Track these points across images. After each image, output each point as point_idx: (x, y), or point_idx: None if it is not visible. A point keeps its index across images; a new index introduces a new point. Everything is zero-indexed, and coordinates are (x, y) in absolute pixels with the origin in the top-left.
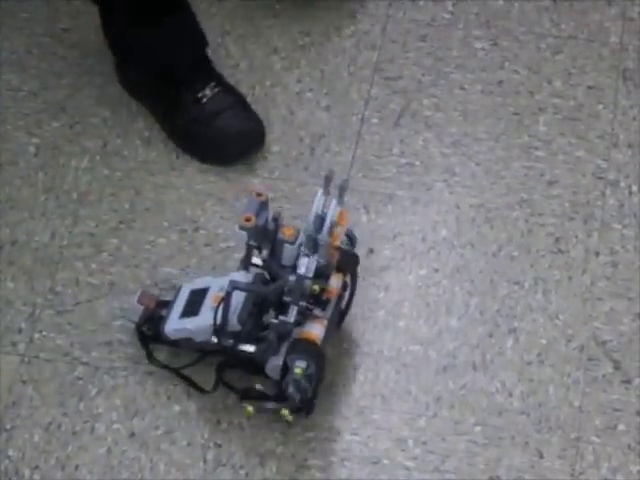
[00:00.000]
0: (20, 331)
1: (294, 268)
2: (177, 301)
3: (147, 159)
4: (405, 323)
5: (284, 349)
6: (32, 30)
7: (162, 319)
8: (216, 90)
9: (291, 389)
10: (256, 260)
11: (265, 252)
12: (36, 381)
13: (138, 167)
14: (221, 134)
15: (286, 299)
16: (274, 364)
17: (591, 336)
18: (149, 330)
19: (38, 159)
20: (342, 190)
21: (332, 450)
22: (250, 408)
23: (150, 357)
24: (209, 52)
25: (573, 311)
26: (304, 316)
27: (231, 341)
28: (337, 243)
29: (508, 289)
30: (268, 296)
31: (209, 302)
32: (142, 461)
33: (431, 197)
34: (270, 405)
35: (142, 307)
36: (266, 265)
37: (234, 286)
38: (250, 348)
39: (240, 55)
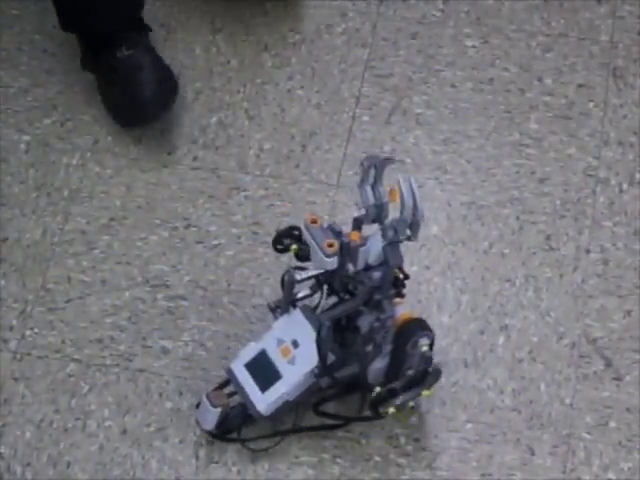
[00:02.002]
0: (11, 328)
1: (367, 267)
2: (242, 382)
3: (138, 156)
4: None
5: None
6: (22, 27)
7: (242, 407)
8: (132, 51)
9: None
10: (301, 294)
11: (351, 267)
12: (28, 378)
13: (129, 164)
14: (130, 96)
15: (376, 297)
16: (378, 367)
17: (582, 333)
18: (225, 429)
19: (29, 156)
20: (381, 169)
21: (324, 447)
22: (391, 409)
23: (245, 442)
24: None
25: (564, 308)
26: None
27: (343, 372)
28: None
29: (499, 286)
30: (360, 307)
31: (280, 359)
32: (134, 458)
33: (422, 194)
34: (407, 396)
35: (219, 409)
36: (355, 277)
37: (329, 317)
38: (378, 364)
39: (231, 53)
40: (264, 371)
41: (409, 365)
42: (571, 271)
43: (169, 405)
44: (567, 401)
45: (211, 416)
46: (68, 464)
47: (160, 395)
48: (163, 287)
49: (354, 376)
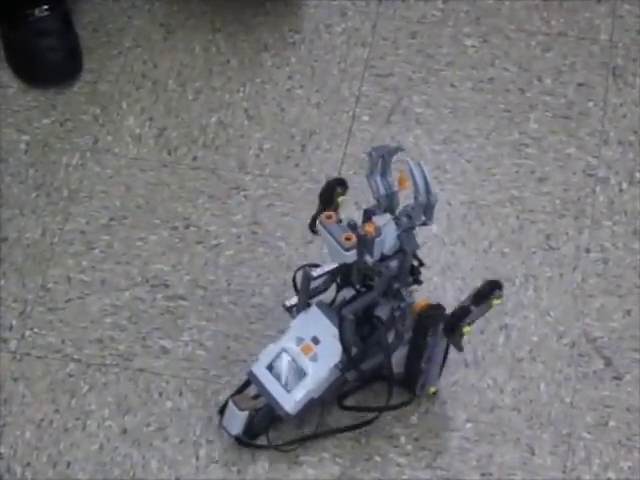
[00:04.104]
0: (11, 328)
1: (382, 257)
2: (266, 384)
3: (138, 156)
4: None
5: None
6: None
7: (268, 408)
8: (45, 14)
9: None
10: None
11: (369, 258)
12: (28, 378)
13: (129, 164)
14: (34, 56)
15: (395, 286)
16: (398, 355)
17: (582, 333)
18: (252, 432)
19: (28, 156)
20: (389, 158)
21: (324, 447)
22: (432, 389)
23: (279, 446)
24: None
25: (564, 308)
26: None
27: (368, 364)
28: None
29: None
30: (379, 297)
31: (302, 357)
32: (134, 458)
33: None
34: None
35: (247, 412)
36: (373, 268)
37: (351, 310)
38: (398, 352)
39: (231, 52)
40: (287, 371)
41: (429, 353)
42: (571, 270)
43: (169, 405)
44: (567, 400)
45: (238, 420)
46: (68, 464)
47: (160, 395)
48: (163, 287)
49: (377, 367)
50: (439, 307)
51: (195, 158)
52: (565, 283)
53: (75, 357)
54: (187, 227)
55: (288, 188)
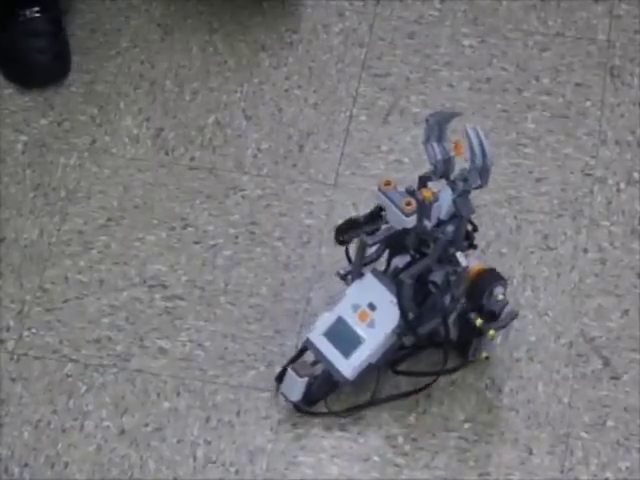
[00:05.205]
0: (9, 329)
1: (438, 222)
2: (323, 350)
3: (135, 156)
4: None
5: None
6: None
7: (326, 375)
8: (36, 15)
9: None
10: (370, 253)
11: (427, 223)
12: (25, 379)
13: (127, 164)
14: (22, 57)
15: (450, 251)
16: (451, 319)
17: (580, 332)
18: (310, 399)
19: (26, 156)
20: (446, 124)
21: (322, 447)
22: (485, 354)
23: (337, 413)
24: None
25: (562, 308)
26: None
27: (424, 328)
28: None
29: None
30: (434, 263)
31: (359, 325)
32: (132, 458)
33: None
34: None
35: (306, 379)
36: (431, 233)
37: (408, 275)
38: (452, 317)
39: (228, 53)
40: (344, 337)
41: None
42: (569, 270)
43: (167, 405)
44: (565, 400)
45: (298, 387)
46: (66, 464)
47: (158, 395)
48: (160, 287)
49: (433, 331)
50: (494, 271)
51: (193, 158)
52: (563, 283)
53: (73, 357)
54: (185, 227)
55: (286, 188)
